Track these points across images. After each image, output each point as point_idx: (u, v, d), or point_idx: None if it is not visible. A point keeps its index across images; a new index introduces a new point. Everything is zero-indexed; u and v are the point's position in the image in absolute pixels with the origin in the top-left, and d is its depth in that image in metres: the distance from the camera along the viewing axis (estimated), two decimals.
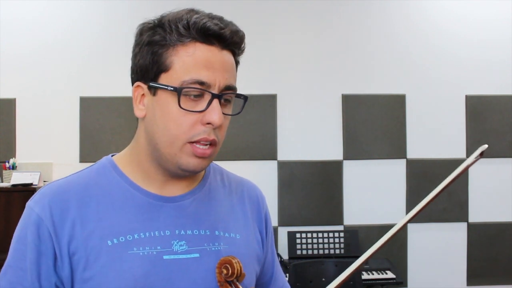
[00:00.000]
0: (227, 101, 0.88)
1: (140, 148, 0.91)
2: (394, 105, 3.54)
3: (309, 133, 3.51)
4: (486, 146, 0.84)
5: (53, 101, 3.38)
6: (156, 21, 0.86)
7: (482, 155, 0.84)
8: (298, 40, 3.52)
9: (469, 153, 3.55)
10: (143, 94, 0.88)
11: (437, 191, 0.86)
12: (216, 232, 0.92)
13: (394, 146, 3.54)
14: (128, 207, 0.88)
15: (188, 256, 0.88)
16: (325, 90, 3.52)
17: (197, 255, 0.88)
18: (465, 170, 0.84)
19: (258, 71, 3.46)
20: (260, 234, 1.02)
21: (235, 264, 0.84)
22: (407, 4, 3.58)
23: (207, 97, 0.83)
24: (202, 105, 0.83)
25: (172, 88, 0.82)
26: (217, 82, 0.84)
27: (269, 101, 3.48)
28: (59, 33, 3.40)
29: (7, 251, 0.89)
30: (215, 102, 0.83)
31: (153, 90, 0.85)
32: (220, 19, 0.87)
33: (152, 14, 0.89)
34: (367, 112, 3.52)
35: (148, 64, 0.85)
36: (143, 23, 0.87)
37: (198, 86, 0.82)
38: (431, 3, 3.58)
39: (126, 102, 3.30)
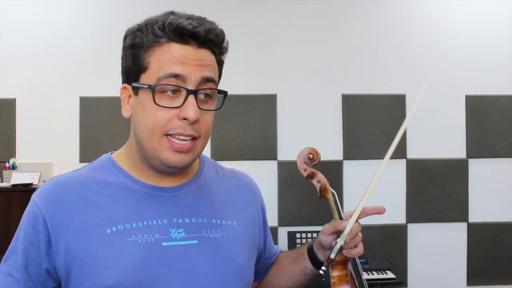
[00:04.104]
0: (208, 96, 0.89)
1: (132, 147, 0.95)
2: (394, 105, 3.54)
3: (309, 133, 3.51)
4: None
5: (53, 101, 3.38)
6: (137, 25, 0.90)
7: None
8: (298, 40, 3.52)
9: (469, 153, 3.55)
10: (129, 95, 0.92)
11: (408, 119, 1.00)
12: (214, 220, 0.96)
13: None
14: (125, 198, 0.91)
15: (187, 242, 0.91)
16: (325, 90, 3.52)
17: (195, 241, 0.91)
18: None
19: (258, 71, 3.46)
20: (258, 220, 1.08)
21: (318, 152, 1.09)
22: (408, 3, 3.58)
23: (184, 93, 0.85)
24: (179, 101, 0.85)
25: (147, 86, 0.85)
26: (192, 76, 0.85)
27: (269, 101, 3.48)
28: (59, 33, 3.40)
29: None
30: (191, 97, 0.85)
31: (136, 90, 0.89)
32: (199, 19, 0.88)
33: (152, 13, 0.90)
34: (367, 112, 3.52)
35: (130, 66, 0.89)
36: (128, 28, 0.91)
37: (173, 80, 0.84)
38: (432, 3, 3.58)
39: None
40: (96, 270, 0.85)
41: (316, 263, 1.07)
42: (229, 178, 1.07)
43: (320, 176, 1.12)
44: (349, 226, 0.98)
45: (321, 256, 1.07)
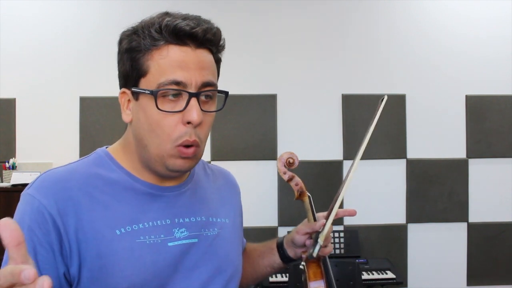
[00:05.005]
0: (209, 97, 0.89)
1: (132, 150, 0.93)
2: (394, 105, 3.54)
3: (309, 133, 3.51)
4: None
5: (53, 101, 3.38)
6: (132, 28, 0.89)
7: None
8: (298, 40, 3.52)
9: (469, 153, 3.55)
10: (129, 100, 0.91)
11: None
12: (210, 219, 0.98)
13: (394, 146, 3.53)
14: (129, 197, 0.90)
15: (189, 241, 0.92)
16: (325, 90, 3.52)
17: (195, 240, 0.93)
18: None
19: (258, 71, 3.46)
20: (240, 216, 1.12)
21: (297, 157, 1.13)
22: (408, 4, 3.58)
23: (185, 96, 0.85)
24: (181, 104, 0.85)
25: (148, 92, 0.84)
26: (193, 80, 0.85)
27: (269, 101, 3.48)
28: (59, 33, 3.40)
29: None
30: (193, 100, 0.85)
31: (136, 95, 0.88)
32: (195, 18, 0.87)
33: (152, 13, 0.90)
34: (367, 112, 3.52)
35: (128, 71, 0.88)
36: (123, 31, 0.90)
37: (174, 86, 0.84)
38: (432, 3, 3.58)
39: None
40: (109, 273, 0.83)
41: (285, 258, 1.13)
42: (216, 176, 1.10)
43: (297, 179, 1.19)
44: (327, 226, 1.02)
45: (291, 253, 1.13)
